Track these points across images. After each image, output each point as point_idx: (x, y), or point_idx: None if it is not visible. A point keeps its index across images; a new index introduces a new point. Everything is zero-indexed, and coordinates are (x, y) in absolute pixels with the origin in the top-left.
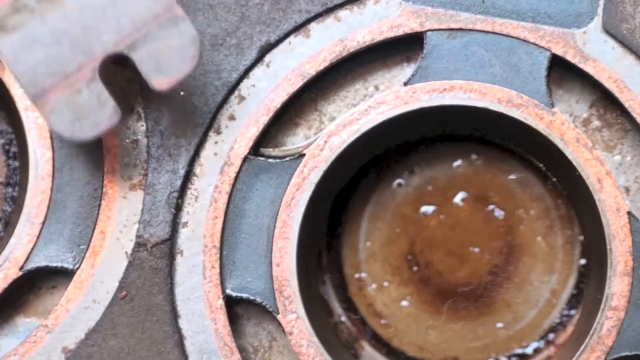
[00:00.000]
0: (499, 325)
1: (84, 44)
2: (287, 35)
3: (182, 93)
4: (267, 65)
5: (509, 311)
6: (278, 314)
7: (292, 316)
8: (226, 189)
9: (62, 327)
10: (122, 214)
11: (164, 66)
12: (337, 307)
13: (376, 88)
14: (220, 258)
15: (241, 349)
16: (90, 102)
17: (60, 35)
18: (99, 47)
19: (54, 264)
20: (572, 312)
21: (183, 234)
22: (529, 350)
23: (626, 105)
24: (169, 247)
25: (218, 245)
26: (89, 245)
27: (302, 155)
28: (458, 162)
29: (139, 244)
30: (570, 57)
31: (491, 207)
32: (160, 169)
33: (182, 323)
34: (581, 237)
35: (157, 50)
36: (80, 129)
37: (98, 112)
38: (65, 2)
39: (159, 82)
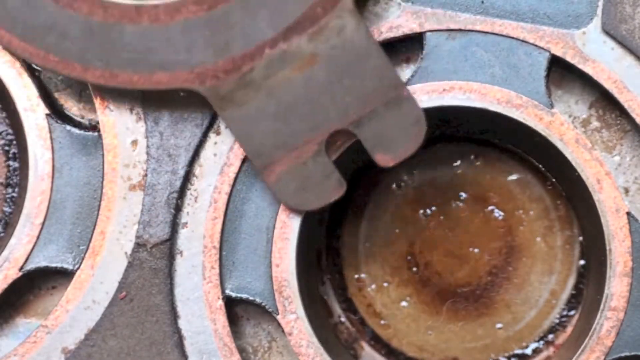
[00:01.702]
0: (499, 325)
1: (311, 120)
2: None
3: (181, 94)
4: None
5: (508, 312)
6: (278, 314)
7: (291, 317)
8: (226, 189)
9: (61, 328)
10: (122, 215)
11: (388, 144)
12: (336, 308)
13: None
14: (220, 258)
15: (241, 350)
16: (316, 174)
17: (287, 110)
18: (325, 123)
19: (54, 265)
20: (572, 312)
21: (183, 234)
22: (528, 351)
23: (625, 105)
24: (169, 247)
25: (218, 245)
26: (88, 245)
27: None
28: (457, 163)
29: (139, 245)
30: (569, 57)
31: (491, 207)
32: (160, 170)
33: (182, 323)
34: (580, 238)
35: (381, 128)
36: (305, 199)
37: (323, 183)
38: (291, 80)
39: (383, 158)
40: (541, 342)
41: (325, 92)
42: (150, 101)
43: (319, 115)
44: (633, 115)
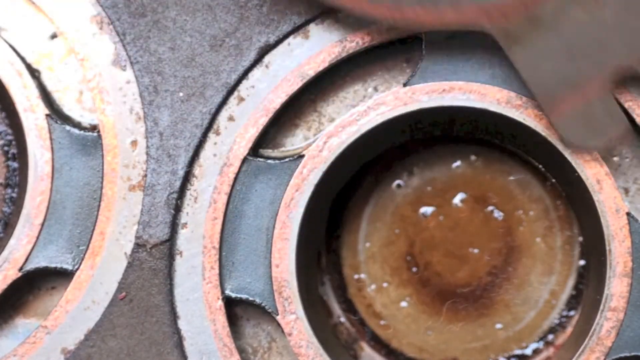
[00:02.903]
0: (498, 326)
1: (597, 58)
2: (286, 37)
3: (180, 94)
4: (267, 66)
5: (508, 312)
6: (277, 314)
7: (291, 317)
8: (225, 190)
9: (61, 328)
10: (122, 215)
11: None
12: (336, 308)
13: (375, 89)
14: (220, 259)
15: (240, 350)
16: (601, 112)
17: (575, 49)
18: (611, 62)
19: (54, 265)
20: (572, 313)
21: (182, 235)
22: (528, 351)
23: (625, 106)
24: (169, 248)
25: (217, 246)
26: (88, 246)
27: (301, 156)
28: (457, 163)
29: (139, 245)
30: None
31: (490, 208)
32: (160, 170)
33: (182, 324)
34: (580, 238)
35: None
36: (589, 137)
37: (606, 121)
38: (580, 19)
39: None
40: (541, 343)
41: (612, 31)
42: (150, 102)
43: (605, 55)
44: (633, 115)
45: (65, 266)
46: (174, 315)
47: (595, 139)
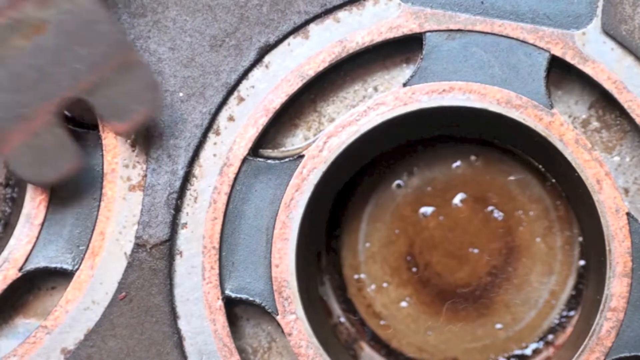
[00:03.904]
0: (498, 326)
1: (41, 89)
2: (286, 37)
3: (180, 94)
4: (266, 67)
5: (508, 312)
6: (277, 314)
7: (291, 317)
8: (225, 190)
9: (61, 328)
10: (122, 215)
11: (122, 111)
12: (336, 308)
13: (375, 89)
14: (220, 259)
15: (240, 350)
16: (50, 145)
17: (17, 80)
18: (57, 91)
19: (54, 265)
20: (571, 313)
21: (182, 235)
22: (528, 352)
23: (625, 106)
24: (168, 248)
25: (217, 246)
26: (88, 246)
27: (301, 157)
28: (457, 163)
29: (138, 245)
30: (569, 58)
31: (490, 208)
32: (160, 170)
33: (182, 324)
34: (580, 238)
35: (115, 95)
36: (41, 172)
37: (58, 155)
38: (20, 48)
39: (117, 126)
40: (541, 343)
41: (55, 59)
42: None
43: (50, 84)
44: (633, 115)
45: (65, 266)
46: (173, 315)
47: (48, 173)
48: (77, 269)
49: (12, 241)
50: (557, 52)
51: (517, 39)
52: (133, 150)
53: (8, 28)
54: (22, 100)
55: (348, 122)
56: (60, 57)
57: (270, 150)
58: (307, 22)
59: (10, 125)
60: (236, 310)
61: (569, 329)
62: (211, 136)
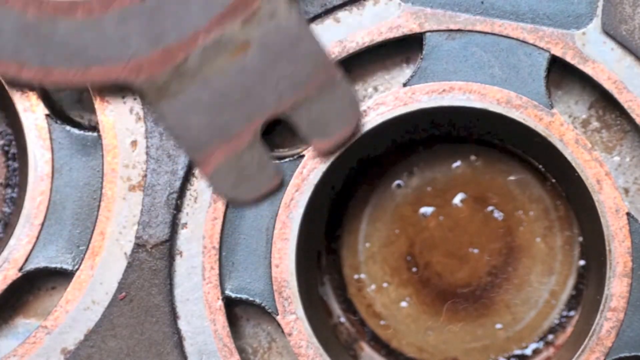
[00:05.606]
0: (498, 326)
1: (245, 108)
2: None
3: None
4: None
5: (508, 312)
6: (277, 315)
7: (291, 317)
8: None
9: (61, 328)
10: (122, 215)
11: (324, 129)
12: (336, 308)
13: (375, 89)
14: (220, 259)
15: (240, 350)
16: (251, 164)
17: (222, 100)
18: (260, 111)
19: (54, 265)
20: (572, 313)
21: (182, 235)
22: (528, 352)
23: (625, 106)
24: (168, 248)
25: (217, 246)
26: (88, 246)
27: (301, 156)
28: (457, 163)
29: (138, 245)
30: (569, 58)
31: (490, 208)
32: (160, 170)
33: (182, 324)
34: (580, 238)
35: (317, 113)
36: (242, 191)
37: (258, 174)
38: (225, 68)
39: (319, 143)
40: (541, 343)
41: (259, 78)
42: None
43: (253, 103)
44: (633, 115)
45: (65, 266)
46: (174, 316)
47: (248, 193)
48: (77, 269)
49: (12, 241)
50: (557, 52)
51: (517, 39)
52: (133, 150)
53: (213, 48)
54: (227, 120)
55: None
56: (265, 76)
57: (270, 151)
58: (307, 22)
59: (213, 145)
60: (236, 310)
61: (569, 329)
62: None
